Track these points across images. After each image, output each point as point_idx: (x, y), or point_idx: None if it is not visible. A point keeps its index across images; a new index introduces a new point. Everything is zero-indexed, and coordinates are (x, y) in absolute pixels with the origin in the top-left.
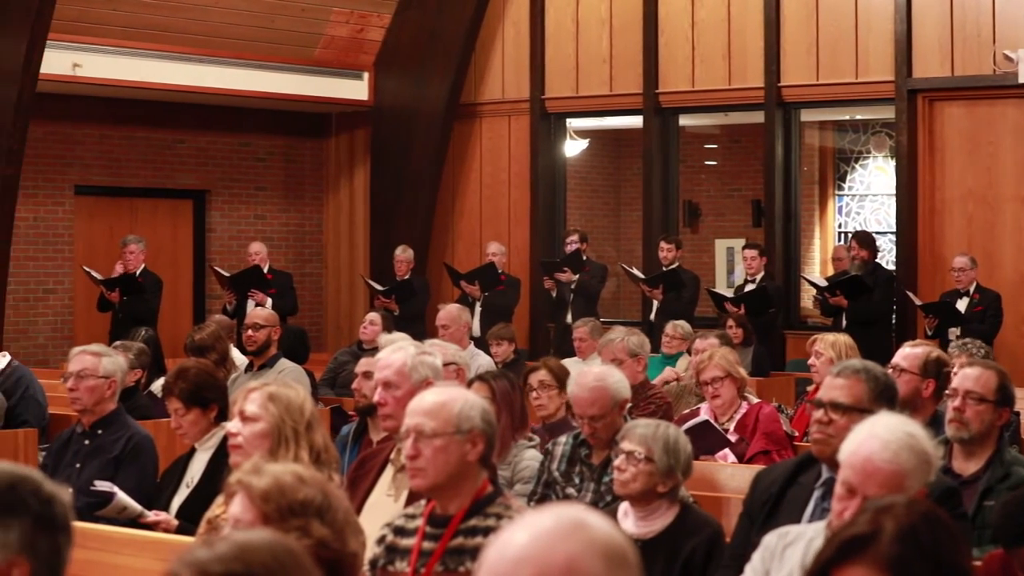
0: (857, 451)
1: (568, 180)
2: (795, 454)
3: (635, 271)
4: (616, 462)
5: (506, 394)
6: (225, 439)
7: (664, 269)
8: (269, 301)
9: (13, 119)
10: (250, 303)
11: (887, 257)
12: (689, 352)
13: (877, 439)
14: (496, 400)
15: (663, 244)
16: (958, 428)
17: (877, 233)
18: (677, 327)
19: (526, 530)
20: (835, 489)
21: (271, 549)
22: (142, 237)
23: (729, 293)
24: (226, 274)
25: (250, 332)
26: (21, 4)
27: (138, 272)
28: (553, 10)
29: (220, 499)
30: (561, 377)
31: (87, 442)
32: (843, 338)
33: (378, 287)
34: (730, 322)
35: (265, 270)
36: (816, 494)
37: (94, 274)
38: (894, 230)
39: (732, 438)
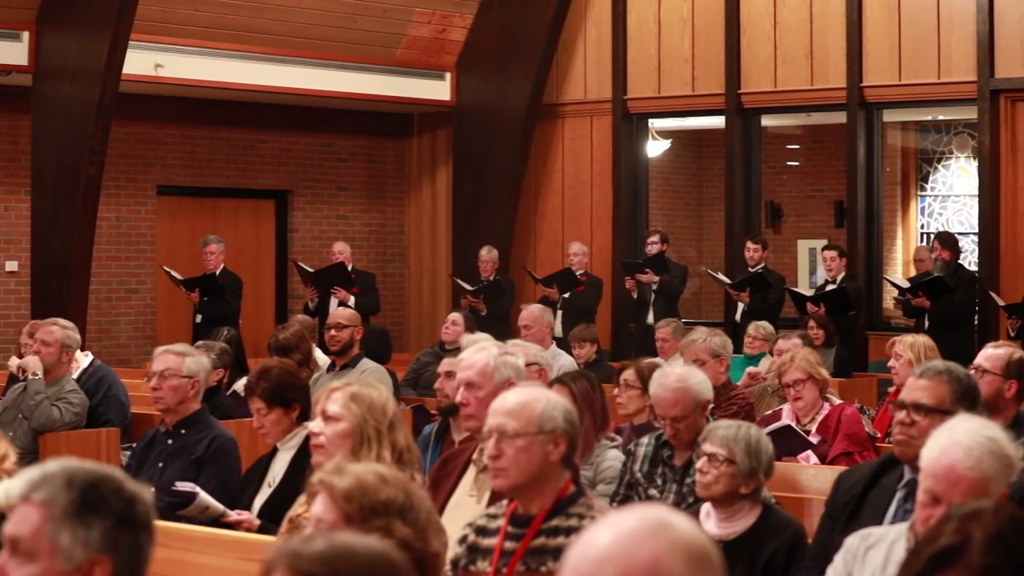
0: (939, 459)
1: (650, 180)
2: (877, 455)
3: (720, 276)
4: (698, 464)
5: (586, 395)
6: (307, 439)
7: (751, 270)
8: (352, 300)
9: (95, 119)
10: (332, 302)
11: (969, 258)
12: (771, 353)
13: (959, 447)
14: (577, 402)
15: (750, 244)
16: None
17: (959, 234)
18: (759, 328)
19: (610, 530)
20: (918, 496)
21: (369, 557)
22: (222, 237)
23: (810, 294)
24: (309, 270)
25: (333, 332)
26: (103, 5)
27: (218, 272)
28: (635, 10)
29: (302, 499)
30: (647, 379)
31: (170, 442)
32: (922, 339)
33: (467, 286)
34: (811, 323)
35: (349, 269)
36: (898, 495)
37: (174, 274)
38: (976, 231)
39: (814, 439)
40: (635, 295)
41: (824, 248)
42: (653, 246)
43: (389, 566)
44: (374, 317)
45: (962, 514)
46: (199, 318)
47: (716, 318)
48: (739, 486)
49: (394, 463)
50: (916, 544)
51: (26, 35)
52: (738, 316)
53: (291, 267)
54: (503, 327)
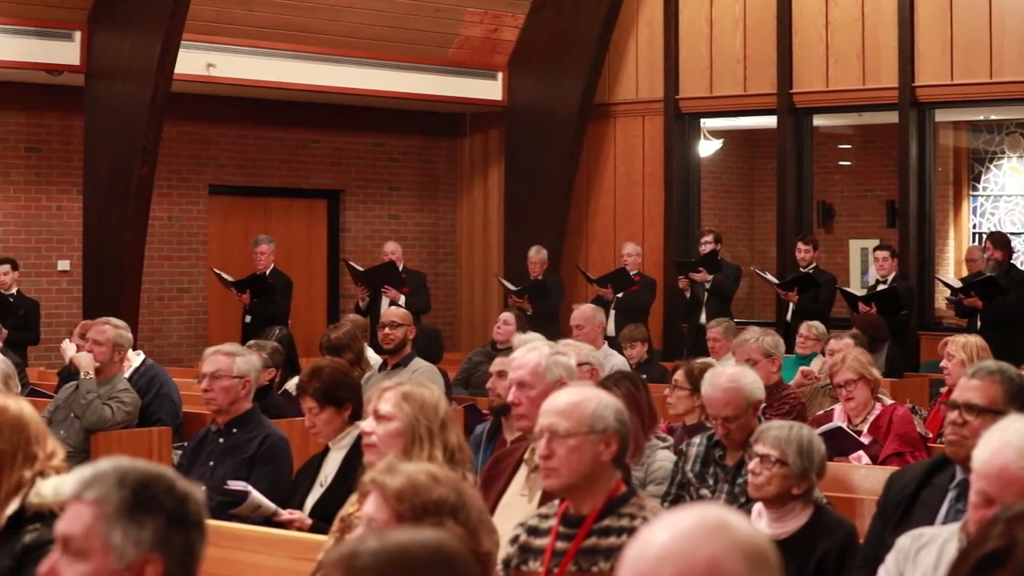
0: (991, 460)
1: (702, 180)
2: (929, 455)
3: (768, 276)
4: (750, 465)
5: (630, 396)
6: (359, 438)
7: (801, 270)
8: (402, 299)
9: (147, 119)
10: (384, 301)
11: (1021, 258)
12: (823, 353)
13: (1011, 447)
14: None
15: (800, 245)
16: None
17: (1012, 234)
18: (812, 328)
19: (668, 529)
20: (971, 497)
21: (426, 552)
22: (273, 237)
23: (863, 293)
24: (360, 269)
25: (387, 330)
26: (155, 5)
27: (268, 272)
28: (687, 10)
29: (354, 498)
30: (696, 380)
31: (221, 441)
32: (974, 339)
33: (511, 287)
34: (854, 329)
35: (399, 269)
36: (950, 496)
37: (225, 276)
38: None
39: (865, 440)
40: (688, 294)
41: (876, 248)
42: (707, 245)
43: (445, 563)
44: (425, 316)
45: (1009, 517)
46: (248, 318)
47: (768, 318)
48: (791, 487)
49: (446, 462)
50: (964, 547)
51: (78, 35)
52: (788, 316)
53: (343, 267)
54: (551, 327)
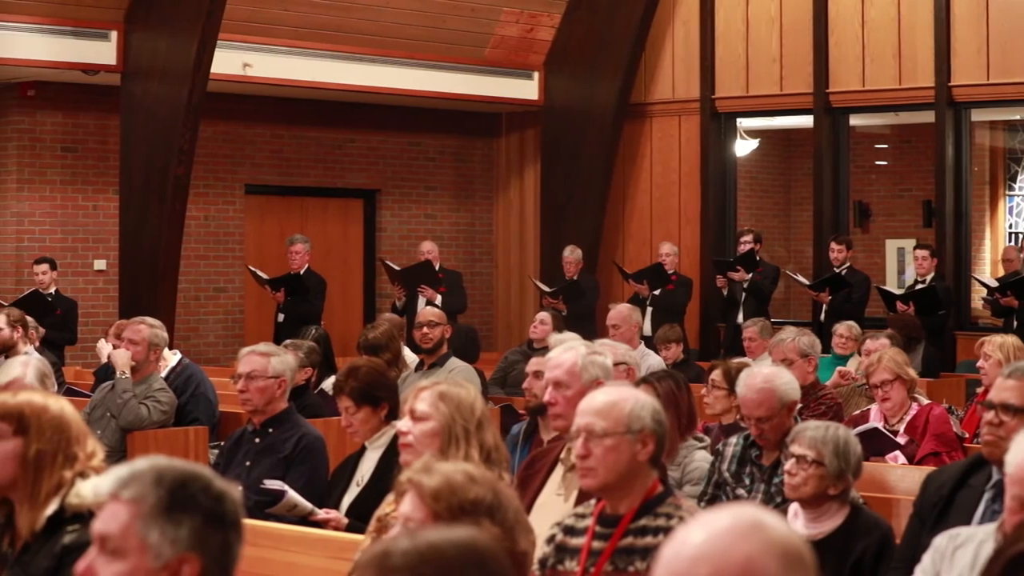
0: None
1: (738, 180)
2: (965, 456)
3: (799, 277)
4: (786, 466)
5: (671, 395)
6: (395, 438)
7: (835, 270)
8: (439, 298)
9: (184, 119)
10: (420, 301)
11: None
12: (859, 353)
13: None
14: (661, 402)
15: (833, 245)
16: None
17: None
18: (851, 328)
19: (703, 529)
20: (1007, 502)
21: (458, 551)
22: (308, 237)
23: (900, 292)
24: (396, 268)
25: (424, 330)
26: (192, 4)
27: (302, 272)
28: (723, 9)
29: (390, 497)
30: (733, 379)
31: (258, 440)
32: (1011, 339)
33: (545, 288)
34: (890, 329)
35: (436, 268)
36: (986, 496)
37: (260, 274)
38: None
39: (902, 440)
40: (725, 292)
41: (916, 247)
42: (746, 245)
43: (477, 561)
44: (461, 316)
45: None
46: (281, 317)
47: (804, 318)
48: (828, 487)
49: (482, 462)
50: (997, 548)
51: (114, 35)
52: (821, 316)
53: (379, 266)
54: (587, 326)
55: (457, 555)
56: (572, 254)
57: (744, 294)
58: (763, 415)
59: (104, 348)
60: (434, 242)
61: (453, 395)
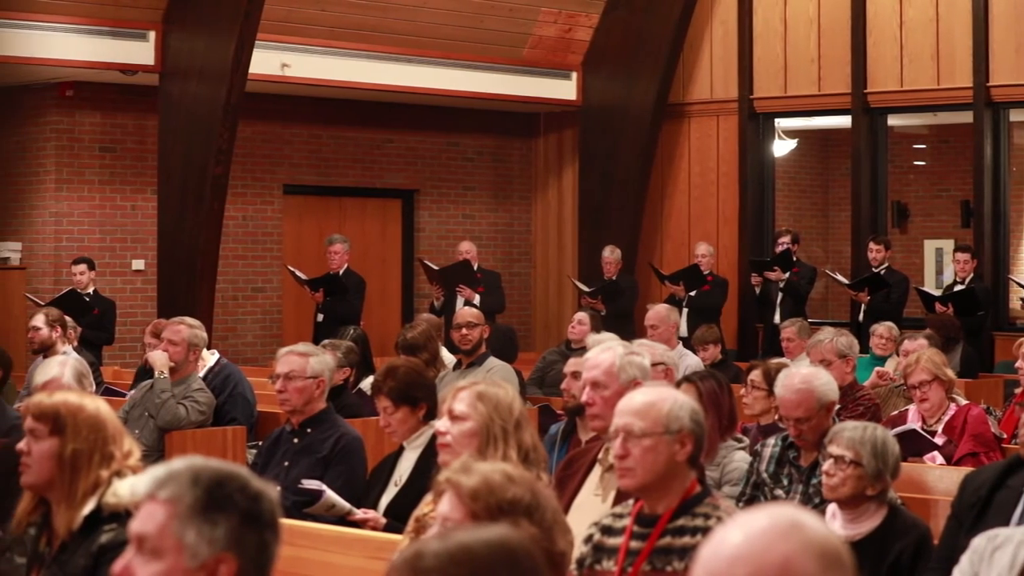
0: None
1: (776, 180)
2: (1003, 456)
3: (838, 276)
4: (824, 467)
5: (713, 394)
6: (434, 438)
7: (874, 270)
8: (477, 298)
9: (222, 119)
10: (458, 300)
11: None
12: (897, 353)
13: None
14: (703, 401)
15: (872, 245)
16: None
17: None
18: (891, 328)
19: (741, 529)
20: None
21: (489, 551)
22: (347, 237)
23: (938, 294)
24: (435, 268)
25: (463, 331)
26: (230, 5)
27: (341, 272)
28: (761, 9)
29: (428, 497)
30: (773, 380)
31: (296, 440)
32: None
33: (584, 287)
34: (928, 329)
35: (474, 268)
36: None
37: (298, 274)
38: None
39: (939, 440)
40: (758, 291)
41: (955, 249)
42: (783, 245)
43: (508, 560)
44: (499, 316)
45: None
46: (320, 317)
47: (842, 318)
48: (866, 488)
49: (520, 462)
50: None
51: (152, 35)
52: (860, 316)
53: (417, 266)
54: (626, 327)
55: (488, 555)
56: (611, 254)
57: (780, 294)
58: (802, 416)
59: (156, 356)
60: (472, 242)
61: (491, 395)
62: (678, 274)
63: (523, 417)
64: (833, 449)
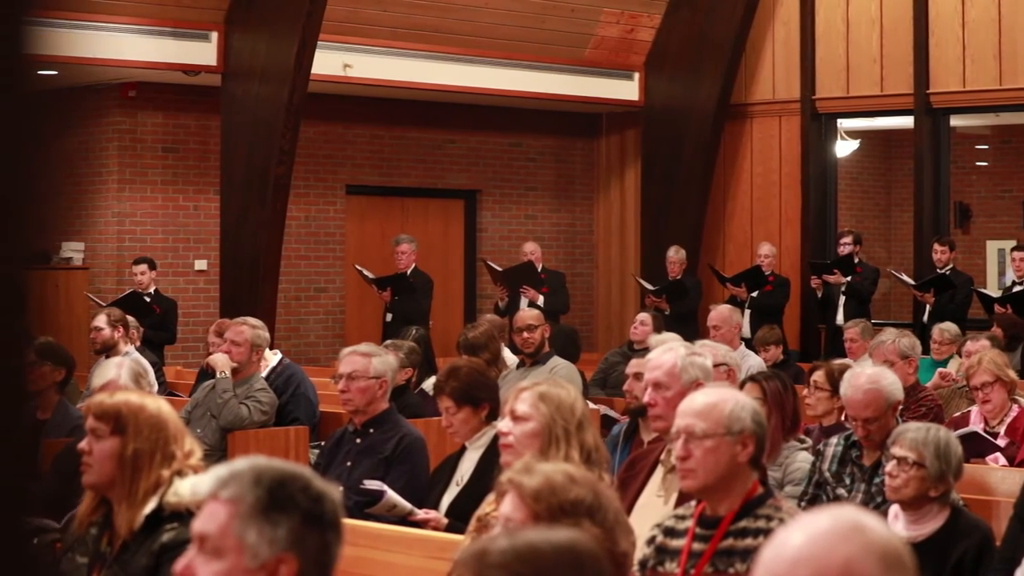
0: None
1: (839, 181)
2: None
3: (904, 277)
4: (887, 468)
5: (778, 395)
6: (496, 438)
7: (938, 271)
8: (541, 299)
9: (284, 119)
10: (523, 301)
11: None
12: (959, 354)
13: None
14: (767, 401)
15: (936, 246)
16: None
17: None
18: (943, 332)
19: (803, 531)
20: None
21: (556, 552)
22: (414, 237)
23: (998, 295)
24: (499, 269)
25: (525, 334)
26: (292, 6)
27: (409, 272)
28: (823, 10)
29: (490, 497)
30: (836, 381)
31: (358, 441)
32: None
33: (649, 286)
34: (995, 327)
35: (539, 269)
36: None
37: (366, 272)
38: None
39: (1002, 442)
40: (819, 294)
41: (1014, 249)
42: (846, 247)
43: (574, 562)
44: (562, 316)
45: None
46: (389, 317)
47: (905, 319)
48: (928, 489)
49: (582, 463)
50: None
51: (215, 35)
52: (925, 317)
53: (480, 266)
54: (689, 327)
55: (554, 556)
56: (676, 254)
57: (842, 296)
58: (870, 415)
59: (217, 359)
60: (536, 242)
61: (553, 396)
62: (739, 276)
63: (585, 417)
64: (896, 450)
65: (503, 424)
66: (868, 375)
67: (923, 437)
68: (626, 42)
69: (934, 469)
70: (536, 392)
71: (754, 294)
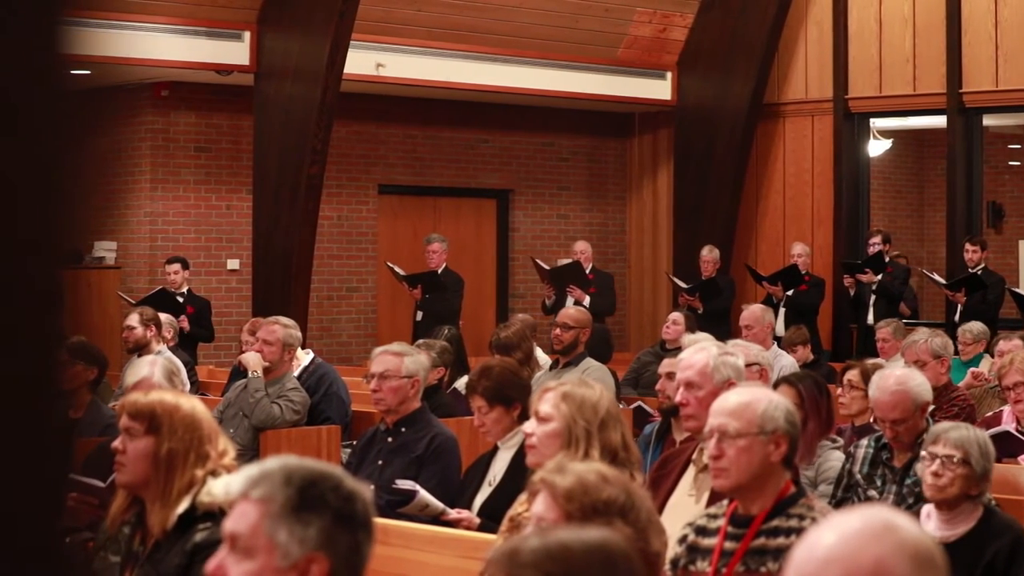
0: None
1: (871, 180)
2: None
3: (935, 276)
4: (932, 467)
5: (812, 397)
6: None
7: (970, 271)
8: (587, 299)
9: (317, 119)
10: (569, 300)
11: None
12: (991, 354)
13: None
14: (802, 403)
15: (968, 246)
16: None
17: None
18: (967, 332)
19: (834, 531)
20: None
21: (587, 551)
22: (445, 236)
23: None
24: (546, 267)
25: (558, 331)
26: (325, 5)
27: (440, 271)
28: (856, 9)
29: (523, 497)
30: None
31: (390, 440)
32: None
33: (682, 284)
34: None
35: (587, 269)
36: None
37: (397, 269)
38: None
39: None
40: (852, 293)
41: None
42: (875, 247)
43: (605, 561)
44: (609, 317)
45: None
46: (420, 315)
47: (937, 319)
48: (971, 487)
49: (604, 462)
50: None
51: (247, 35)
52: (956, 317)
53: (512, 266)
54: (722, 326)
55: (586, 555)
56: (710, 253)
57: (873, 295)
58: (898, 417)
59: (249, 357)
60: (569, 242)
61: (576, 395)
62: (776, 275)
63: (610, 416)
64: (939, 449)
65: (528, 425)
66: (896, 377)
67: (967, 436)
68: (659, 41)
69: (980, 467)
70: (559, 392)
71: (789, 293)
